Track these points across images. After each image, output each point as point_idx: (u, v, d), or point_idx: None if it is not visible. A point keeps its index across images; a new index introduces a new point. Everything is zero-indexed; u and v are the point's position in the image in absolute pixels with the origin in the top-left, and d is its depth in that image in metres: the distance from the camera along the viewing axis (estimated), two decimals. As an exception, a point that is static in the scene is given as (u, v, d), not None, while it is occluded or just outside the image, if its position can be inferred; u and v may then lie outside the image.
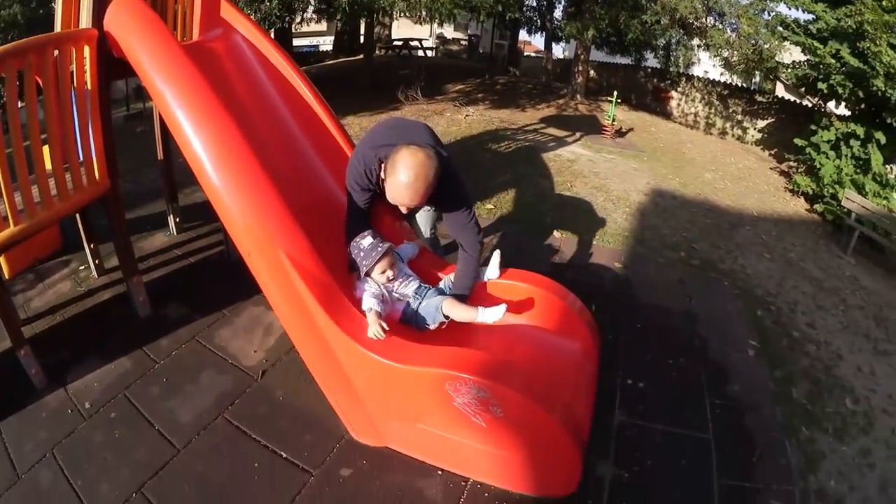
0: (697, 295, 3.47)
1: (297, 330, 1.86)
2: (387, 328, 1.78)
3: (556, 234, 4.17)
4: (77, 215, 2.93)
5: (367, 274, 2.05)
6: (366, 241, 2.05)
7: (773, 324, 3.35)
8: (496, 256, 2.32)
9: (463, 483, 1.87)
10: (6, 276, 3.15)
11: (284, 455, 2.02)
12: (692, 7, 8.31)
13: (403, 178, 1.84)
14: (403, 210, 2.02)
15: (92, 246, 3.08)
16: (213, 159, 1.75)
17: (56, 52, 2.15)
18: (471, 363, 1.62)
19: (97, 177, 2.50)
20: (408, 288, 2.11)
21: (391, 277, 2.08)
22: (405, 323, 2.10)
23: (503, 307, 1.98)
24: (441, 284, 2.26)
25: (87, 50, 2.29)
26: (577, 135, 8.11)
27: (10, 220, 2.11)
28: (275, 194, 1.75)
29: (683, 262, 3.99)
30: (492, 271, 2.29)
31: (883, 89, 6.49)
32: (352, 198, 2.16)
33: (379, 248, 2.02)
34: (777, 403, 2.55)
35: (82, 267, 3.30)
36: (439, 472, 1.91)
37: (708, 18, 9.36)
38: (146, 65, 1.90)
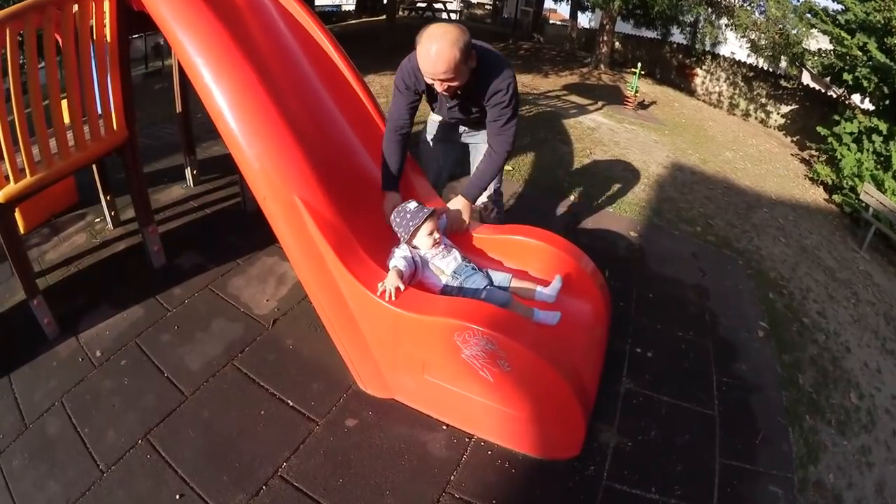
0: (711, 270, 3.37)
1: (309, 276, 1.82)
2: (402, 288, 1.70)
3: (571, 197, 4.07)
4: (94, 168, 2.91)
5: (411, 238, 1.96)
6: (411, 204, 1.99)
7: (785, 308, 3.25)
8: (558, 282, 2.07)
9: (467, 440, 1.83)
10: (21, 231, 3.15)
11: (291, 403, 2.00)
12: None
13: (427, 43, 1.77)
14: (439, 88, 1.88)
15: (108, 198, 3.06)
16: (230, 104, 1.69)
17: (76, 7, 2.12)
18: (481, 315, 1.56)
19: (115, 127, 2.47)
20: (446, 262, 1.97)
21: (437, 240, 1.98)
22: None
23: (558, 315, 1.92)
24: (485, 270, 2.06)
25: (106, 4, 2.25)
26: (599, 104, 7.90)
27: (28, 171, 2.10)
28: (292, 140, 1.70)
29: (699, 237, 3.87)
30: (549, 292, 2.04)
31: None
32: (394, 102, 2.13)
33: (425, 211, 1.96)
34: (783, 388, 2.47)
35: (98, 220, 3.29)
36: (444, 427, 1.87)
37: None
38: (166, 15, 1.83)
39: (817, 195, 6.74)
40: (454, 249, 2.02)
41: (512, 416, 1.67)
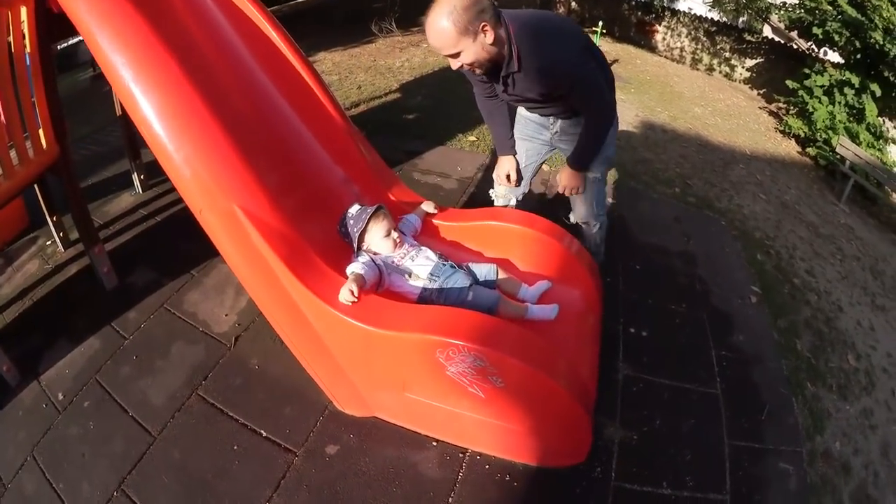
0: (695, 235, 3.17)
1: (262, 295, 1.58)
2: (356, 291, 1.45)
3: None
4: (36, 188, 2.63)
5: (360, 245, 1.72)
6: (353, 208, 1.74)
7: (774, 269, 3.11)
8: (544, 285, 1.85)
9: (461, 455, 1.63)
10: None
11: (264, 433, 1.78)
12: None
13: (428, 16, 1.51)
14: (454, 66, 1.60)
15: (54, 218, 2.76)
16: (154, 105, 1.40)
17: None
18: (461, 326, 1.33)
19: (44, 145, 2.17)
20: (418, 264, 1.72)
21: (398, 241, 1.74)
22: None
23: (556, 308, 1.72)
24: (466, 266, 1.81)
25: (23, 11, 1.94)
26: None
27: None
28: (226, 141, 1.42)
29: (678, 198, 3.66)
30: (534, 291, 1.83)
31: (881, 43, 6.10)
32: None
33: (367, 211, 1.70)
34: (782, 356, 2.32)
35: (49, 242, 2.99)
36: (434, 444, 1.67)
37: None
38: (80, 11, 1.54)
39: (790, 148, 6.65)
40: (424, 248, 1.78)
41: (509, 429, 1.47)
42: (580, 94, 1.70)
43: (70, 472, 1.83)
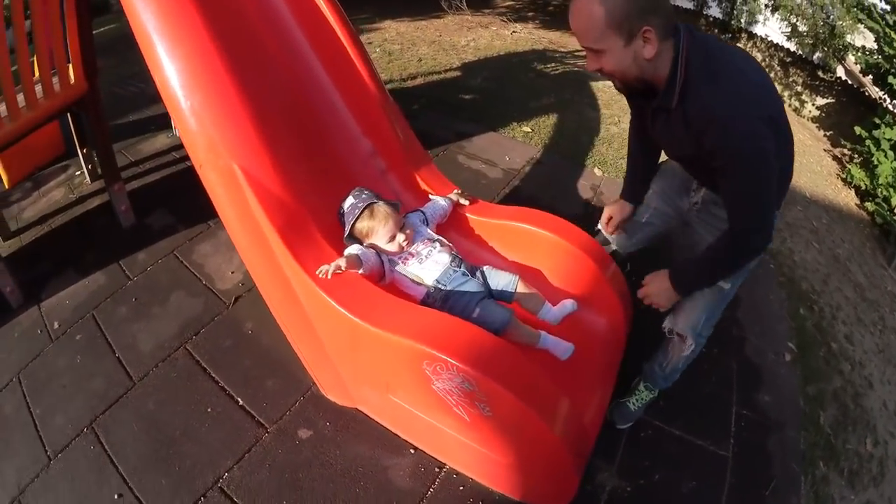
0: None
1: (254, 263, 1.46)
2: (339, 269, 1.30)
3: (596, 171, 3.51)
4: (70, 119, 2.61)
5: (353, 233, 1.54)
6: (348, 200, 1.56)
7: (814, 327, 2.82)
8: (570, 306, 1.61)
9: (437, 469, 1.49)
10: (6, 186, 2.90)
11: (241, 402, 1.69)
12: None
13: None
14: (591, 66, 1.19)
15: (85, 151, 2.75)
16: (168, 50, 1.28)
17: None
18: (456, 341, 1.15)
19: (72, 80, 2.13)
20: (424, 267, 1.51)
21: (403, 245, 1.53)
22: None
23: (570, 350, 1.49)
24: (481, 272, 1.58)
25: None
26: None
27: None
28: (239, 97, 1.30)
29: None
30: (557, 312, 1.60)
31: None
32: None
33: (363, 197, 1.52)
34: (803, 427, 2.08)
35: (78, 173, 2.99)
36: (412, 451, 1.53)
37: None
38: None
39: (849, 199, 6.16)
40: (438, 247, 1.57)
41: (491, 458, 1.31)
42: (730, 183, 1.18)
43: (49, 400, 1.82)
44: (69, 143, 3.01)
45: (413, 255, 1.54)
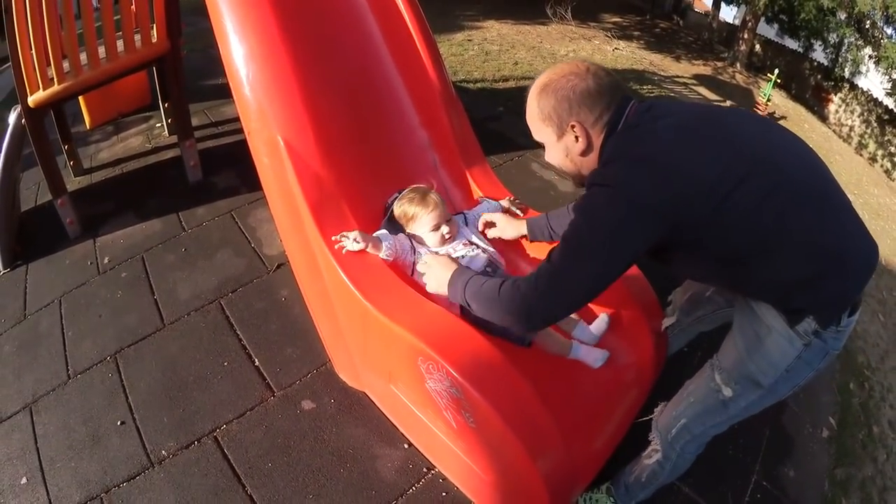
0: None
1: (288, 234, 1.48)
2: (361, 244, 1.26)
3: None
4: (155, 73, 2.77)
5: (391, 220, 1.48)
6: (406, 190, 1.49)
7: (860, 406, 2.54)
8: (604, 321, 1.51)
9: (425, 470, 1.44)
10: (88, 126, 3.12)
11: (257, 363, 1.72)
12: (871, 4, 6.67)
13: None
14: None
15: (167, 105, 2.91)
16: (234, 20, 1.35)
17: None
18: (453, 345, 1.08)
19: (154, 39, 2.26)
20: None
21: (446, 237, 1.43)
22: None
23: (604, 357, 1.41)
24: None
25: None
26: (728, 103, 6.76)
27: (56, 79, 2.00)
28: (294, 72, 1.32)
29: None
30: (594, 331, 1.50)
31: None
32: None
33: (407, 191, 1.47)
34: None
35: (158, 125, 3.18)
36: (406, 446, 1.49)
37: (886, 28, 7.54)
38: None
39: (933, 273, 5.60)
40: (474, 251, 1.44)
41: (474, 471, 1.25)
42: (563, 242, 0.95)
43: (82, 325, 1.93)
44: (154, 95, 3.21)
45: (456, 251, 1.44)
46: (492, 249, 1.49)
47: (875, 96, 9.43)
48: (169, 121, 2.97)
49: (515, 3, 8.18)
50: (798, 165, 0.95)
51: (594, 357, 1.42)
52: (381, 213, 1.53)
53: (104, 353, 1.81)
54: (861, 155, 9.18)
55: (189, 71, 2.83)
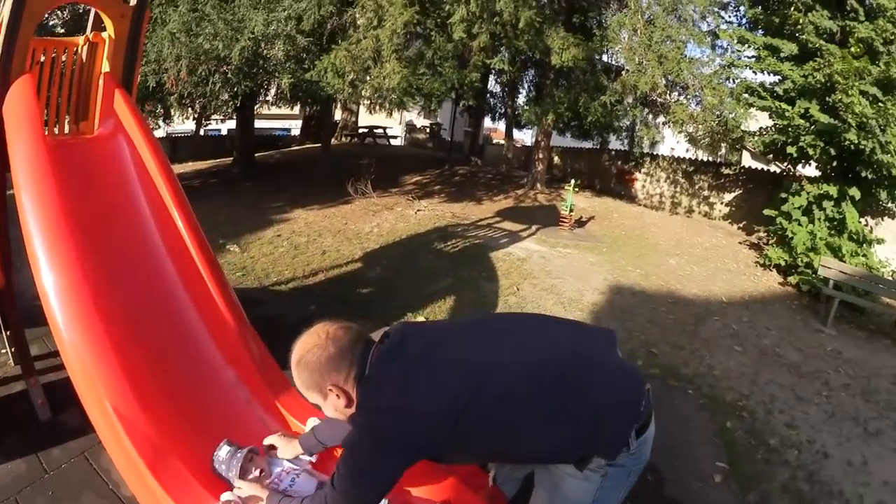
0: (655, 413, 2.88)
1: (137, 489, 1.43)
2: None
3: None
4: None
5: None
6: (222, 450, 1.60)
7: (747, 433, 2.83)
8: None
9: None
10: None
11: None
12: (653, 82, 7.35)
13: None
14: None
15: (9, 333, 2.68)
16: (55, 290, 1.41)
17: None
18: None
19: None
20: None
21: (261, 475, 1.57)
22: None
23: None
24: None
25: None
26: (533, 228, 7.20)
27: None
28: (108, 340, 1.41)
29: (641, 371, 3.41)
30: None
31: (856, 141, 5.92)
32: None
33: (238, 457, 1.58)
34: None
35: (3, 351, 2.89)
36: None
37: (672, 94, 8.56)
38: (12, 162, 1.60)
39: (771, 281, 6.48)
40: (305, 475, 1.59)
41: None
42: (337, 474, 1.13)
43: None
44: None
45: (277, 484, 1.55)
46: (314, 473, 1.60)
47: (676, 155, 10.54)
48: (13, 349, 2.73)
49: (321, 187, 8.47)
50: (544, 349, 1.13)
51: None
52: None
53: None
54: (677, 213, 9.93)
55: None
